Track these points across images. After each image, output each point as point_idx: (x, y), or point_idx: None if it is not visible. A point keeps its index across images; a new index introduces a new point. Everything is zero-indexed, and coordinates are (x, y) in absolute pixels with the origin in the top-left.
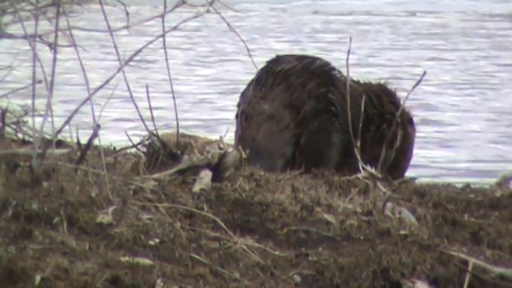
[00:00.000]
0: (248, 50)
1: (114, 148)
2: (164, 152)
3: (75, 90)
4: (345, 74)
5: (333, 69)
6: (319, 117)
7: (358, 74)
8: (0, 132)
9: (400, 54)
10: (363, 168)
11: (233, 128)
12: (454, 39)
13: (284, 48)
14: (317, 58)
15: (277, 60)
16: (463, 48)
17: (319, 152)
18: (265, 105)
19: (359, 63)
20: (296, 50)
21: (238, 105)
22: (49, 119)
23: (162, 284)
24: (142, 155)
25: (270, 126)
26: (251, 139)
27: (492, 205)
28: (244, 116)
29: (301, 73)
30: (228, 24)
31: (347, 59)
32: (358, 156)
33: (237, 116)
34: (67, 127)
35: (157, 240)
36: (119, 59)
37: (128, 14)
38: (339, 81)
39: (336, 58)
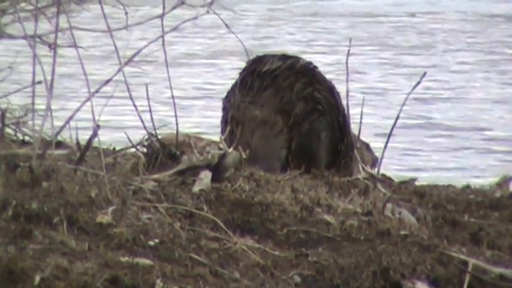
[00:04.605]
0: (246, 50)
1: (114, 148)
2: (164, 153)
3: (76, 91)
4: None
5: (316, 67)
6: (309, 118)
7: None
8: (0, 133)
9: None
10: (363, 169)
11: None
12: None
13: (283, 49)
14: (299, 57)
15: (260, 60)
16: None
17: (311, 153)
18: (256, 110)
19: (365, 63)
20: (295, 52)
21: (224, 110)
22: (49, 119)
23: (161, 284)
24: (141, 155)
25: (264, 131)
26: (245, 144)
27: (492, 206)
28: (235, 122)
29: (288, 74)
30: (227, 26)
31: (346, 60)
32: (358, 157)
33: (225, 121)
34: (67, 128)
35: (156, 241)
36: (119, 60)
37: (126, 13)
38: (323, 78)
39: (336, 59)
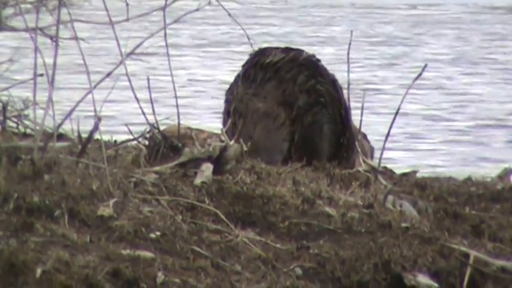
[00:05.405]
0: (249, 38)
1: (115, 141)
2: (165, 145)
3: (78, 83)
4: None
5: (319, 60)
6: (311, 110)
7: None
8: (1, 126)
9: (402, 49)
10: (364, 161)
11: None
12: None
13: (285, 40)
14: (302, 50)
15: (263, 52)
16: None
17: (313, 145)
18: (259, 102)
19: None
20: (296, 42)
21: (227, 101)
22: (50, 112)
23: (163, 276)
24: (143, 147)
25: (266, 124)
26: (247, 137)
27: (493, 198)
28: (238, 114)
29: (290, 66)
30: (230, 15)
31: (348, 53)
32: (359, 149)
33: (228, 113)
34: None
35: (158, 233)
36: (120, 52)
37: (128, 5)
38: (326, 71)
39: (335, 52)
